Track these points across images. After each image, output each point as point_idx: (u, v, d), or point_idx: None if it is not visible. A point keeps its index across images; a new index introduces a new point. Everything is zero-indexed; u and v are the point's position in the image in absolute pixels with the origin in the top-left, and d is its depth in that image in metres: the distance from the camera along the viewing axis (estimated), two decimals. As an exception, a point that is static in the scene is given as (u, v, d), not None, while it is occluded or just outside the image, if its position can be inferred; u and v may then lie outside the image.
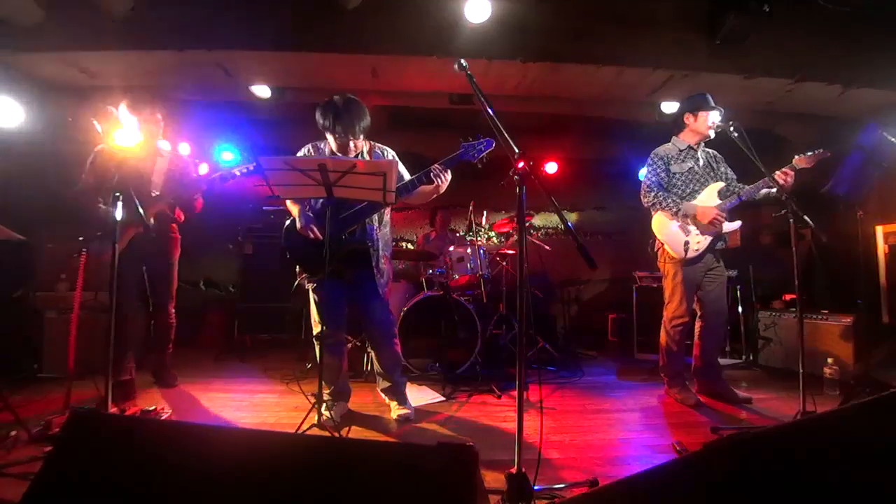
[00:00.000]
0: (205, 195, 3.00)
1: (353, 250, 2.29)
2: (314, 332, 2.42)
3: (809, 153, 2.49)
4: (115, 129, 2.17)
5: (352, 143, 2.26)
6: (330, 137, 2.29)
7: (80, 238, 2.61)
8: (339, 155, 2.30)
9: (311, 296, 2.44)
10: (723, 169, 2.88)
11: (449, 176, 2.29)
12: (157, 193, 2.81)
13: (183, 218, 3.03)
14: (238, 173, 2.72)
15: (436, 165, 2.25)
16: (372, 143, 2.46)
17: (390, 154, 2.48)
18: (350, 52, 3.26)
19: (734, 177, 2.87)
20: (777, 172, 2.46)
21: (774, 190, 2.54)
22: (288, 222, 2.38)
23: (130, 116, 2.45)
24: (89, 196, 2.69)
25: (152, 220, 2.69)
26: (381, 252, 2.42)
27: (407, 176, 2.42)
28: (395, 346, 2.55)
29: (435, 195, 2.42)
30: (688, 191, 2.78)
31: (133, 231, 2.69)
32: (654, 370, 3.10)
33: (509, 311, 3.85)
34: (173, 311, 3.03)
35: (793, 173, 2.50)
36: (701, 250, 2.71)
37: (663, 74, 3.53)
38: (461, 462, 1.00)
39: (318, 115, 2.25)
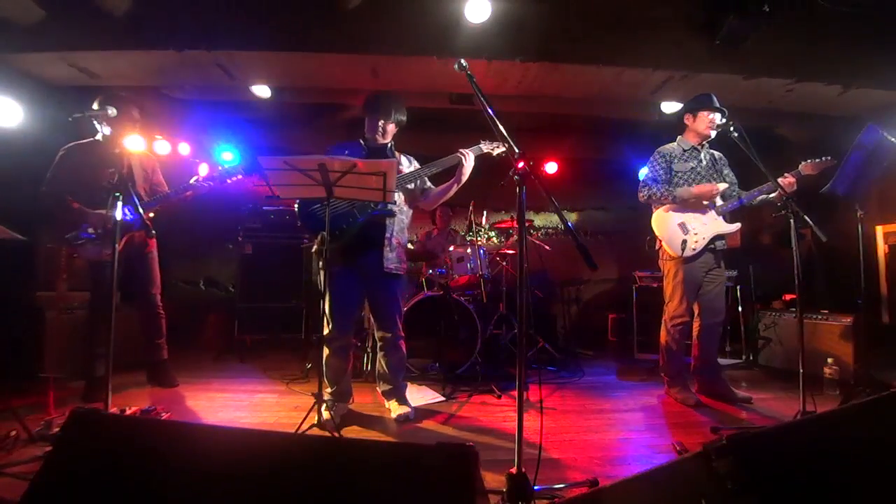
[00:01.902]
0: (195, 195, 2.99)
1: (370, 222, 2.36)
2: (324, 333, 2.42)
3: (816, 160, 2.53)
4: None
5: (381, 123, 2.46)
6: (369, 122, 2.50)
7: (67, 237, 2.62)
8: (373, 140, 2.49)
9: (325, 292, 2.43)
10: (726, 171, 2.90)
11: (470, 161, 2.42)
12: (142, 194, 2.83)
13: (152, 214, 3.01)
14: (228, 180, 2.85)
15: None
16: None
17: (415, 162, 2.63)
18: (350, 52, 3.26)
19: (735, 181, 2.89)
20: (781, 178, 2.50)
21: (773, 195, 2.58)
22: (298, 204, 2.39)
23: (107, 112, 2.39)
24: (57, 196, 2.66)
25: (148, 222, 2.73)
26: (395, 230, 2.48)
27: (428, 182, 2.58)
28: (400, 346, 2.56)
29: (456, 186, 2.50)
30: None
31: (128, 235, 2.74)
32: (654, 370, 3.10)
33: (509, 311, 3.85)
34: (160, 302, 3.02)
35: (795, 180, 2.52)
36: (699, 249, 2.71)
37: (663, 75, 3.52)
38: (461, 462, 1.00)
39: (364, 106, 2.51)
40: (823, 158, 2.51)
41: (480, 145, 2.49)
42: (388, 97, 2.51)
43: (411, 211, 2.64)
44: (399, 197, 2.50)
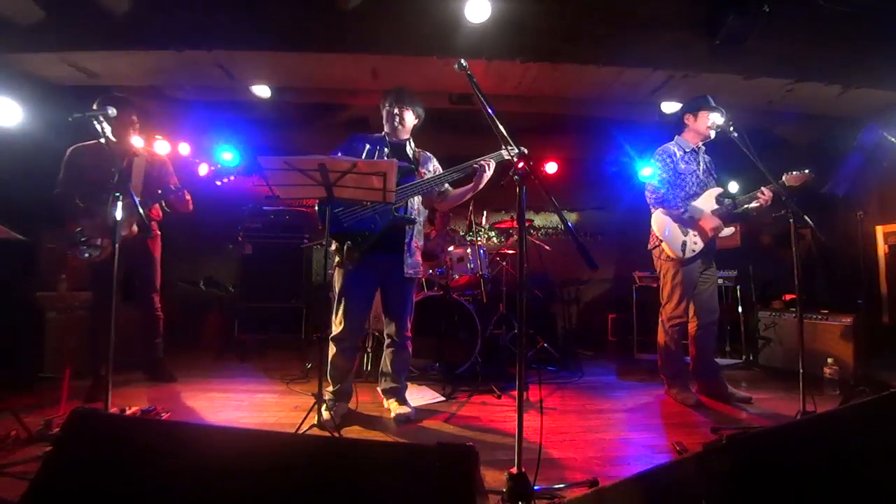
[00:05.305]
0: (194, 195, 3.05)
1: (392, 227, 2.35)
2: (332, 333, 2.41)
3: (797, 172, 2.50)
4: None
5: (397, 109, 2.48)
6: (385, 114, 2.52)
7: (70, 240, 2.68)
8: (392, 134, 2.52)
9: (337, 290, 2.43)
10: (717, 176, 2.90)
11: (491, 169, 2.36)
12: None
13: (162, 215, 3.06)
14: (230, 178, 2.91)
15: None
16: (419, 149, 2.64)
17: (434, 161, 2.63)
18: (350, 52, 3.26)
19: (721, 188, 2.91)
20: (761, 190, 2.55)
21: (753, 204, 2.62)
22: (318, 204, 2.35)
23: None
24: (70, 197, 2.70)
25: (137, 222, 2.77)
26: (415, 234, 2.49)
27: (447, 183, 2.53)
28: (408, 346, 2.57)
29: (472, 193, 2.49)
30: (691, 192, 2.80)
31: (125, 232, 2.73)
32: (654, 370, 3.10)
33: (509, 311, 3.85)
34: (158, 303, 3.07)
35: (771, 195, 2.53)
36: (698, 250, 2.72)
37: (663, 75, 3.52)
38: (461, 462, 1.00)
39: (381, 103, 2.55)
40: (805, 171, 2.48)
41: (501, 152, 2.28)
42: (399, 89, 2.54)
43: (426, 212, 2.67)
44: (416, 200, 2.50)
